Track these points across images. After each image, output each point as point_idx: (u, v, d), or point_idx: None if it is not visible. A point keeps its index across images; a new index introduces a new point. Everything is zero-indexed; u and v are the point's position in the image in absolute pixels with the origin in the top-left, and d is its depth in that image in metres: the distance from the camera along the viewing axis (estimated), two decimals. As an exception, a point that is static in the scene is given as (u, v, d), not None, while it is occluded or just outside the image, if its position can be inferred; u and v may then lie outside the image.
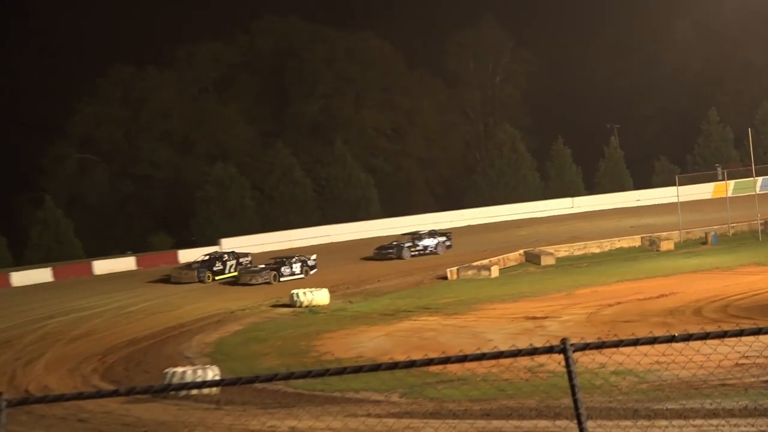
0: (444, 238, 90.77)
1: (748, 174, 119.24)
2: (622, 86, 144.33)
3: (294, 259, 79.06)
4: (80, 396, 19.27)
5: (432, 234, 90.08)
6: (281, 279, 76.72)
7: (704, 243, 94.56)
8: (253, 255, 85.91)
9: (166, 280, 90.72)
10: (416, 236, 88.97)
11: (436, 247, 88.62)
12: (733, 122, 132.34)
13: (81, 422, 45.49)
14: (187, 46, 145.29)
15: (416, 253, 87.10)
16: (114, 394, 25.12)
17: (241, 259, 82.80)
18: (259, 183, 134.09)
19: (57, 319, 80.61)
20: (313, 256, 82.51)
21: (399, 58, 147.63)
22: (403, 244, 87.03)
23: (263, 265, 77.49)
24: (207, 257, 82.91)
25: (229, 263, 79.03)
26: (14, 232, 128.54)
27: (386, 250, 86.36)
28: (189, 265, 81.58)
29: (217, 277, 79.23)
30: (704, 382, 41.74)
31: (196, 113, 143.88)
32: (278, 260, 79.19)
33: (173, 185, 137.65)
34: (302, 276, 77.68)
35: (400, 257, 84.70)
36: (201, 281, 77.98)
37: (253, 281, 75.24)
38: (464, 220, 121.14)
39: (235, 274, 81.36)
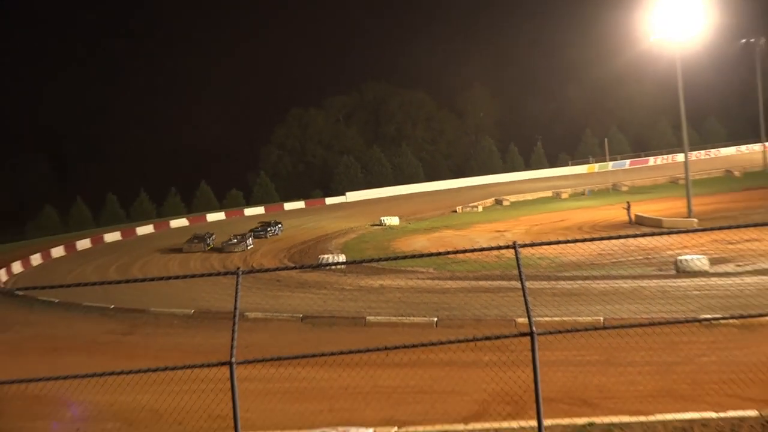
0: (280, 225, 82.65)
1: (604, 160, 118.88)
2: (544, 116, 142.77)
3: (248, 236, 72.71)
4: (277, 269, 19.23)
5: (276, 223, 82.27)
6: (247, 248, 70.07)
7: (583, 194, 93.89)
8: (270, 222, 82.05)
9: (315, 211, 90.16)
10: (268, 224, 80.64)
11: (277, 232, 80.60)
12: (599, 135, 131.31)
13: (277, 281, 45.88)
14: (328, 97, 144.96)
15: (272, 234, 79.20)
16: (294, 268, 25.35)
17: (213, 236, 75.05)
18: (365, 166, 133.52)
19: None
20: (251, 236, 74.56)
21: (434, 103, 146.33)
22: (266, 228, 78.63)
23: (235, 240, 70.61)
24: (197, 236, 74.16)
25: (209, 239, 73.11)
26: (245, 189, 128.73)
27: (259, 232, 77.45)
28: (191, 241, 73.01)
29: (208, 247, 72.41)
30: (583, 263, 41.66)
31: (333, 131, 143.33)
32: (241, 236, 72.16)
33: (322, 167, 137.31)
34: (252, 246, 71.10)
35: (265, 237, 76.99)
36: (204, 250, 71.32)
37: (236, 249, 69.11)
38: (466, 184, 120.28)
39: (211, 246, 72.90)
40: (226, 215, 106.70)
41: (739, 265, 39.36)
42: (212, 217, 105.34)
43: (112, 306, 42.41)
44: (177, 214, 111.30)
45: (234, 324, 11.00)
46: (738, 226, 19.78)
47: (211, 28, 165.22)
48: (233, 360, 10.80)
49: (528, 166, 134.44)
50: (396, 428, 19.81)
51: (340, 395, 22.64)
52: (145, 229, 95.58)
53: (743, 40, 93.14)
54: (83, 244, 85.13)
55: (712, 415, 18.54)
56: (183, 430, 20.21)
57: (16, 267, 70.03)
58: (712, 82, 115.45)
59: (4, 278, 64.80)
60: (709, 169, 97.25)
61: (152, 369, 11.83)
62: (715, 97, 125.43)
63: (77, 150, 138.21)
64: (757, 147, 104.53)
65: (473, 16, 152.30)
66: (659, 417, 18.73)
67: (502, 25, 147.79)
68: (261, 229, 76.84)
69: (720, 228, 17.15)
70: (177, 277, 13.75)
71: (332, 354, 12.04)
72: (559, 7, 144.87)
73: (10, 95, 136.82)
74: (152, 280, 14.96)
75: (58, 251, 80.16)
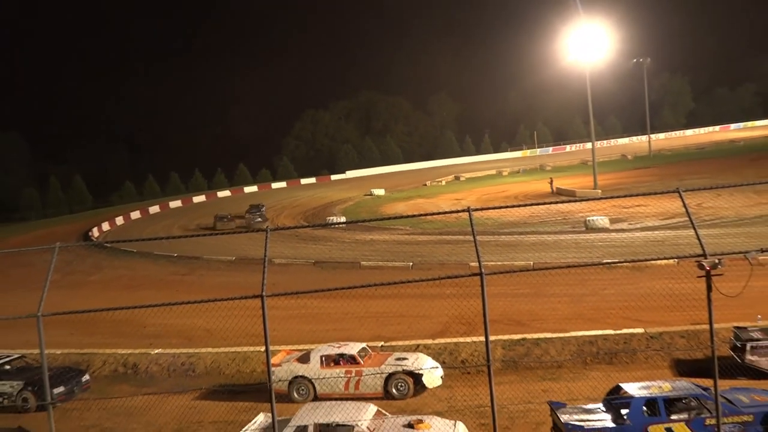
0: (264, 207, 66.37)
1: (533, 147, 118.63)
2: (490, 114, 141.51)
3: (263, 213, 62.69)
4: (295, 227, 19.23)
5: (261, 206, 65.80)
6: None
7: (518, 172, 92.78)
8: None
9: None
10: (257, 207, 65.00)
11: (263, 212, 64.37)
12: (530, 128, 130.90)
13: (296, 236, 45.46)
14: (333, 101, 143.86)
15: (264, 212, 64.81)
16: (307, 226, 25.54)
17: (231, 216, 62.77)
18: (360, 152, 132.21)
19: (288, 200, 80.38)
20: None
21: (410, 106, 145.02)
22: (258, 209, 63.60)
23: (260, 219, 60.28)
24: (223, 216, 61.35)
25: (231, 217, 60.15)
26: (271, 169, 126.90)
27: (254, 212, 62.44)
28: (221, 219, 60.24)
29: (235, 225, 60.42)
30: (518, 222, 41.53)
31: (336, 126, 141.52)
32: (260, 213, 61.84)
33: (328, 154, 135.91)
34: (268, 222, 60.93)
35: (259, 215, 62.07)
36: (232, 229, 56.52)
37: (263, 226, 52.08)
38: (433, 165, 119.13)
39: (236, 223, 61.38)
40: (258, 188, 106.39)
41: (631, 224, 39.54)
42: (248, 189, 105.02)
43: (176, 254, 42.42)
44: (222, 188, 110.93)
45: (264, 267, 11.03)
46: (630, 195, 19.85)
47: (249, 47, 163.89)
48: (264, 293, 10.85)
49: (478, 152, 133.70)
50: (383, 342, 19.95)
51: (341, 319, 22.75)
52: (199, 199, 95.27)
53: (635, 60, 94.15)
54: (154, 209, 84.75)
55: (611, 332, 18.76)
56: (228, 344, 20.35)
57: (105, 226, 69.85)
58: (612, 89, 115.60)
59: (96, 234, 64.70)
60: (609, 154, 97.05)
61: (205, 300, 11.87)
62: (614, 100, 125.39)
63: (149, 139, 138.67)
64: (644, 138, 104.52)
65: (439, 40, 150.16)
66: (573, 333, 18.95)
67: (460, 46, 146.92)
68: (255, 210, 65.13)
69: (617, 196, 17.14)
70: (223, 233, 13.70)
71: (336, 289, 12.10)
72: (503, 33, 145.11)
73: (95, 96, 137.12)
74: (204, 235, 14.94)
75: (135, 215, 79.82)
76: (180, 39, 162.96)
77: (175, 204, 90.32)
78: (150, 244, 44.30)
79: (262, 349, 12.64)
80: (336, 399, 15.14)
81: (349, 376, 16.57)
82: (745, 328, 16.41)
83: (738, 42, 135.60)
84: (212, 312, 14.93)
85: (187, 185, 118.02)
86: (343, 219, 53.21)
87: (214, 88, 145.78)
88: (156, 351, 21.17)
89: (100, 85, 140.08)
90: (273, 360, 14.77)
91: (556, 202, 42.46)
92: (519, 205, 17.55)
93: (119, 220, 74.46)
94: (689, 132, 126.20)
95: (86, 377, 18.73)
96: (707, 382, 11.97)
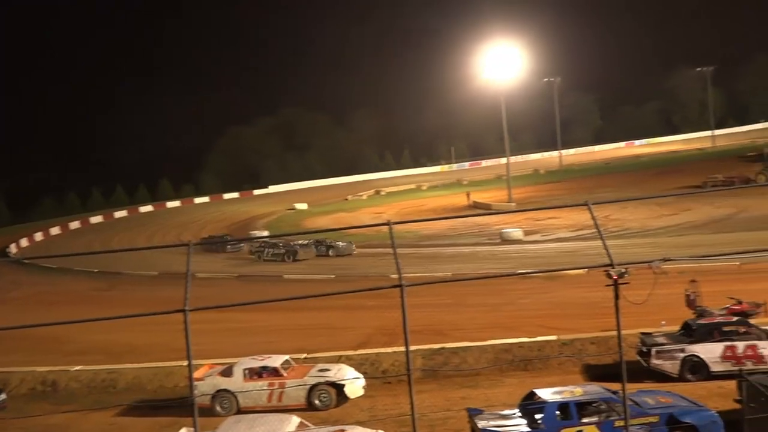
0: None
1: (451, 162, 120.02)
2: (409, 130, 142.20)
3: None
4: (219, 242, 18.90)
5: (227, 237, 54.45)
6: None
7: (437, 187, 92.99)
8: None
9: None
10: (223, 236, 52.79)
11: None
12: (447, 144, 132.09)
13: (220, 250, 44.47)
14: (257, 117, 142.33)
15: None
16: (231, 241, 25.22)
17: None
18: (282, 167, 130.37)
19: (212, 215, 79.00)
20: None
21: (332, 121, 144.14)
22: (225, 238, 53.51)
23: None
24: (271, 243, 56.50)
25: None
26: (194, 184, 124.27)
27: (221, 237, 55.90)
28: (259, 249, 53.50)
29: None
30: (437, 235, 41.94)
31: (260, 141, 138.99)
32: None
33: (252, 168, 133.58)
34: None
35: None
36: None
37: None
38: (354, 179, 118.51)
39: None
40: (181, 203, 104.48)
41: (544, 236, 40.46)
42: (171, 204, 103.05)
43: (96, 270, 41.28)
44: (144, 203, 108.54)
45: (187, 281, 10.82)
46: (543, 208, 20.31)
47: (174, 65, 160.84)
48: (186, 308, 10.64)
49: (398, 167, 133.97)
50: (306, 354, 19.81)
51: (266, 332, 22.56)
52: (120, 214, 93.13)
53: (545, 79, 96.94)
54: (74, 225, 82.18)
55: (526, 339, 19.12)
56: (151, 359, 19.88)
57: (24, 242, 67.33)
58: (524, 107, 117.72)
59: (14, 250, 62.37)
60: (523, 169, 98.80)
61: (127, 315, 11.61)
62: (527, 117, 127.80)
63: (70, 154, 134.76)
64: (555, 153, 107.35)
65: (359, 58, 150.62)
66: (490, 342, 19.23)
67: (380, 64, 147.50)
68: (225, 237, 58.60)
69: (531, 209, 17.50)
70: (143, 248, 13.41)
71: (260, 302, 11.99)
72: (422, 53, 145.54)
73: (14, 111, 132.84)
74: (124, 251, 14.59)
75: (55, 230, 77.09)
76: (100, 56, 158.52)
77: (96, 219, 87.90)
78: (70, 260, 42.88)
79: (186, 363, 12.41)
80: (259, 411, 14.96)
81: (272, 388, 16.42)
82: (651, 333, 17.00)
83: (642, 62, 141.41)
84: (135, 327, 14.61)
85: (108, 200, 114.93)
86: (266, 233, 52.49)
87: (137, 104, 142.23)
88: (76, 368, 20.49)
89: (19, 101, 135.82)
90: (196, 374, 14.50)
91: (473, 215, 43.01)
92: (437, 218, 17.80)
93: (38, 236, 71.88)
94: (597, 148, 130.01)
95: (3, 396, 18.02)
96: (616, 386, 12.27)
